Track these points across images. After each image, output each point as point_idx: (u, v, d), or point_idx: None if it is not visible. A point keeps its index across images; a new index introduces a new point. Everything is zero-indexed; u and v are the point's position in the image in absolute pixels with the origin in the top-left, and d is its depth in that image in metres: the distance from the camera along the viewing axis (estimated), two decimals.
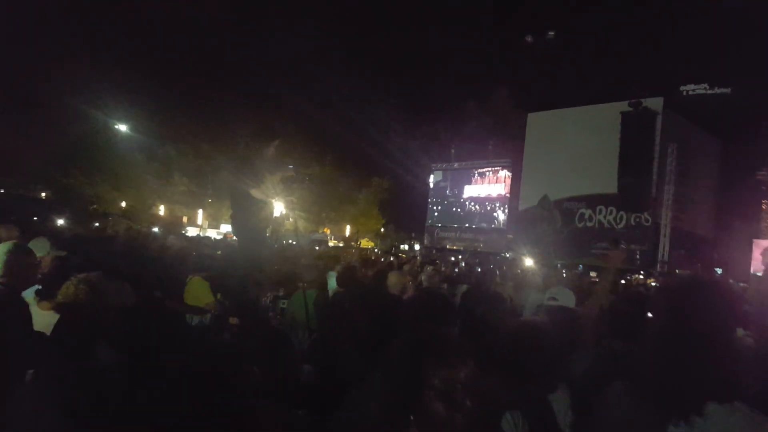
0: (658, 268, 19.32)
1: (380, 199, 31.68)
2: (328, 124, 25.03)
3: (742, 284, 11.87)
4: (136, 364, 2.10)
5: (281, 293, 4.94)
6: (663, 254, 20.12)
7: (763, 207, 18.92)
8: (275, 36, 23.02)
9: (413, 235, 29.43)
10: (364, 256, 11.06)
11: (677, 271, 18.78)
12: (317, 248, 14.19)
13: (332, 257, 8.18)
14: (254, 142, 3.78)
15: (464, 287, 6.51)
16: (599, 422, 1.61)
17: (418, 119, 25.28)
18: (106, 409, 1.87)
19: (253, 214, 3.69)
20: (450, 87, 23.88)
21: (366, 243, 28.24)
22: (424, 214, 27.99)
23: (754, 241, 18.90)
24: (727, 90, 17.68)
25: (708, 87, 18.19)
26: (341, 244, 24.39)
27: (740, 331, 3.50)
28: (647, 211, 20.10)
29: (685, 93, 18.84)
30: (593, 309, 4.30)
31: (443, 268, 9.69)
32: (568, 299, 3.98)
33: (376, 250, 22.29)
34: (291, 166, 3.84)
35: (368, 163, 28.13)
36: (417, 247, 27.84)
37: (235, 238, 4.60)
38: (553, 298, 3.92)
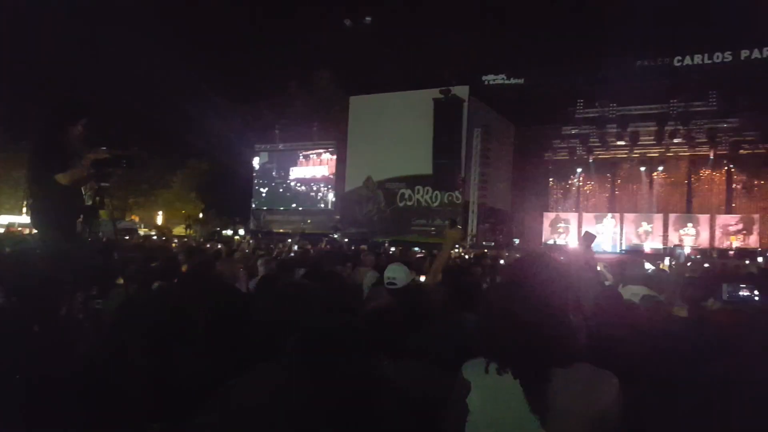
0: (468, 242, 21.22)
1: (199, 183, 29.79)
2: (132, 100, 22.57)
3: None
4: None
5: (94, 292, 4.30)
6: (472, 228, 22.22)
7: (550, 184, 21.91)
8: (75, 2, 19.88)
9: (237, 219, 28.23)
10: (188, 245, 10.26)
11: (483, 243, 20.94)
12: (126, 238, 12.79)
13: (154, 248, 7.41)
14: (57, 120, 3.16)
15: (302, 271, 6.39)
16: (463, 397, 1.65)
17: (241, 99, 24.04)
18: None
19: (60, 202, 3.09)
20: (274, 67, 23.10)
21: (180, 230, 26.34)
22: (248, 197, 27.03)
23: (544, 214, 21.88)
24: (521, 80, 19.95)
25: (506, 77, 20.32)
26: (153, 233, 22.36)
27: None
28: (458, 189, 21.97)
29: (486, 82, 20.81)
30: (434, 284, 4.50)
31: (275, 252, 9.40)
32: (404, 277, 4.10)
33: (196, 237, 20.89)
34: (104, 147, 3.27)
35: (184, 143, 26.13)
36: (242, 232, 26.78)
37: (35, 231, 3.86)
38: (392, 283, 4.02)
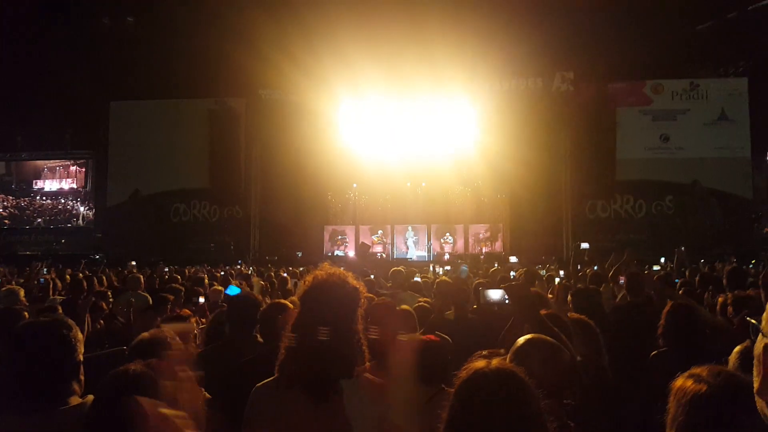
0: (251, 256, 20.77)
1: None
2: None
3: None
4: None
5: None
6: (254, 243, 21.83)
7: (329, 197, 22.50)
8: None
9: None
10: None
11: (267, 257, 20.63)
12: None
13: None
14: None
15: (59, 300, 5.54)
16: (256, 421, 1.71)
17: None
18: None
19: None
20: (16, 64, 19.71)
21: None
22: None
23: (325, 227, 22.39)
24: (296, 96, 20.12)
25: (282, 93, 20.39)
26: None
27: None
28: (238, 204, 21.40)
29: (264, 96, 20.63)
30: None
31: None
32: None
33: None
34: None
35: None
36: None
37: None
38: None
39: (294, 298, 3.82)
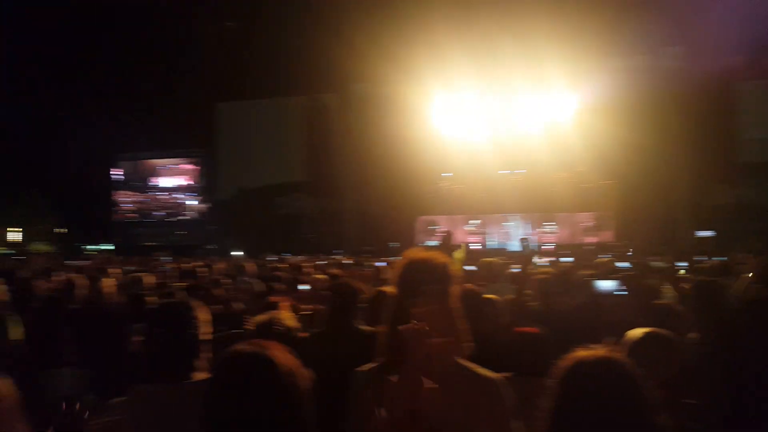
0: (348, 246, 21.25)
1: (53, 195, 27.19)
2: None
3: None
4: None
5: None
6: (350, 234, 22.31)
7: (422, 188, 22.33)
8: None
9: (100, 234, 26.06)
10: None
11: (362, 248, 20.98)
12: None
13: None
14: None
15: (180, 286, 6.07)
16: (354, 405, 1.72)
17: (99, 107, 22.17)
18: None
19: None
20: (135, 74, 21.63)
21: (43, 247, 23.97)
22: (109, 209, 25.23)
23: (418, 217, 22.33)
24: (388, 89, 20.19)
25: (374, 86, 20.62)
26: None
27: None
28: (335, 196, 22.01)
29: (356, 91, 21.04)
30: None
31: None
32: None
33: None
34: None
35: (37, 155, 23.74)
36: (108, 247, 24.81)
37: None
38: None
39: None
